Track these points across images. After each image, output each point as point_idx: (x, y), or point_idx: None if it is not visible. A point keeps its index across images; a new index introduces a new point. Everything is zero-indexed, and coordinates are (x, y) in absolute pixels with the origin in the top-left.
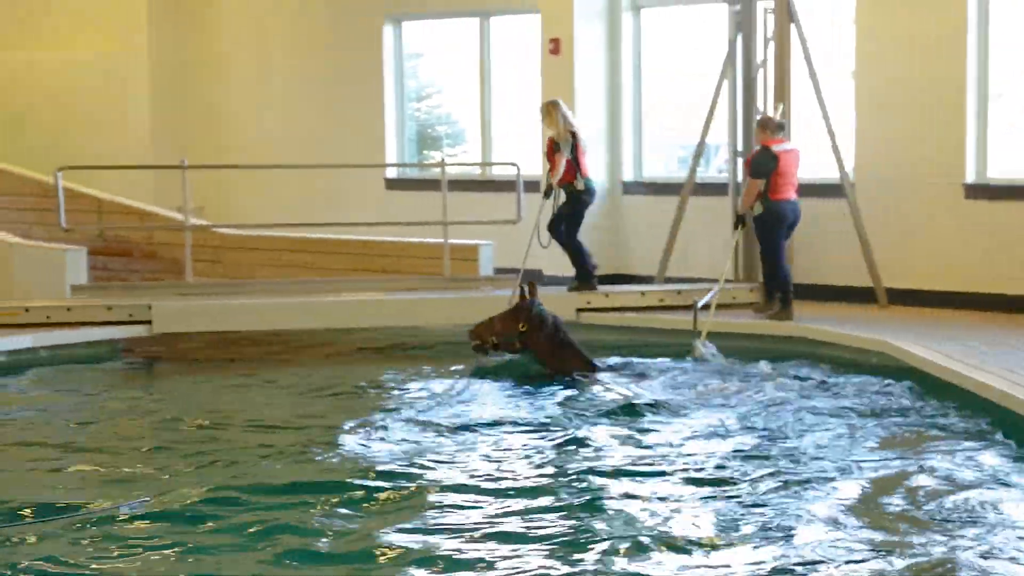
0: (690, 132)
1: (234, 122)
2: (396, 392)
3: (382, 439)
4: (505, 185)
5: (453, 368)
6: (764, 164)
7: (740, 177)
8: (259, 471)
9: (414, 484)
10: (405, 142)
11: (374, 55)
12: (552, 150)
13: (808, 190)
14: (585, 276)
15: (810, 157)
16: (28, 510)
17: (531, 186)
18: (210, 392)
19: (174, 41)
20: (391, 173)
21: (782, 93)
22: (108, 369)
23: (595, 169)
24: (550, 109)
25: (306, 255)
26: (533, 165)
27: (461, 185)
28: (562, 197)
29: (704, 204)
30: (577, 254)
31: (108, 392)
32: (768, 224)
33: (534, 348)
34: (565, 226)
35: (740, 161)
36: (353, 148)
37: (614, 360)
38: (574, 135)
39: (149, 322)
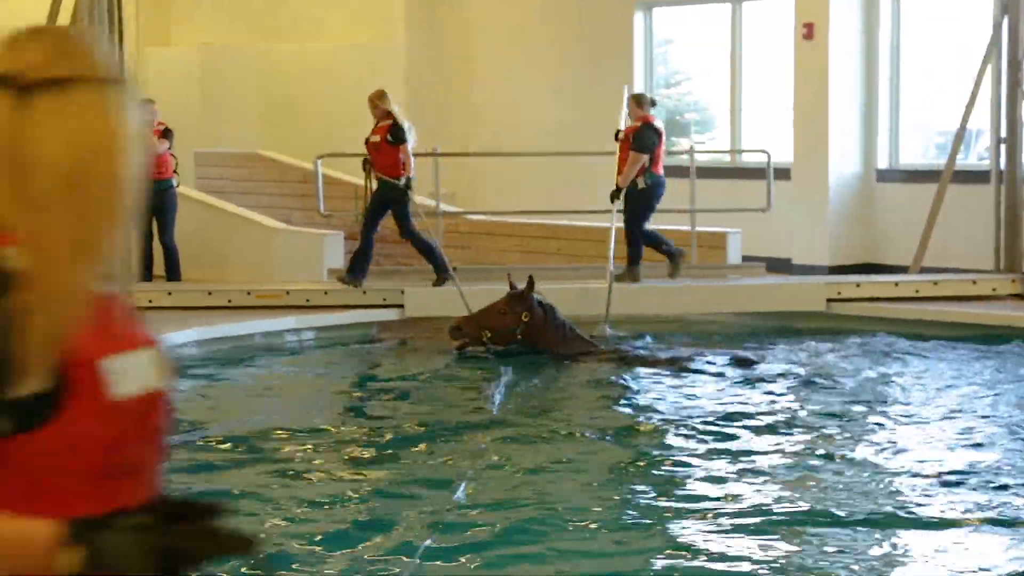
0: (950, 118)
1: (486, 110)
2: (638, 378)
3: (626, 432)
4: (755, 172)
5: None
6: (650, 139)
7: (1003, 163)
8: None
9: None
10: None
11: (624, 42)
12: (386, 141)
13: None
14: (441, 267)
15: None
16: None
17: (781, 174)
18: (458, 373)
19: (429, 31)
20: None
21: None
22: (364, 351)
23: (849, 155)
24: (384, 97)
25: (554, 241)
26: (784, 152)
27: (710, 172)
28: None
29: (964, 192)
30: (427, 250)
31: (364, 373)
32: (649, 196)
33: (541, 337)
34: (372, 219)
35: (1003, 148)
36: (602, 135)
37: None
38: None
39: (401, 306)
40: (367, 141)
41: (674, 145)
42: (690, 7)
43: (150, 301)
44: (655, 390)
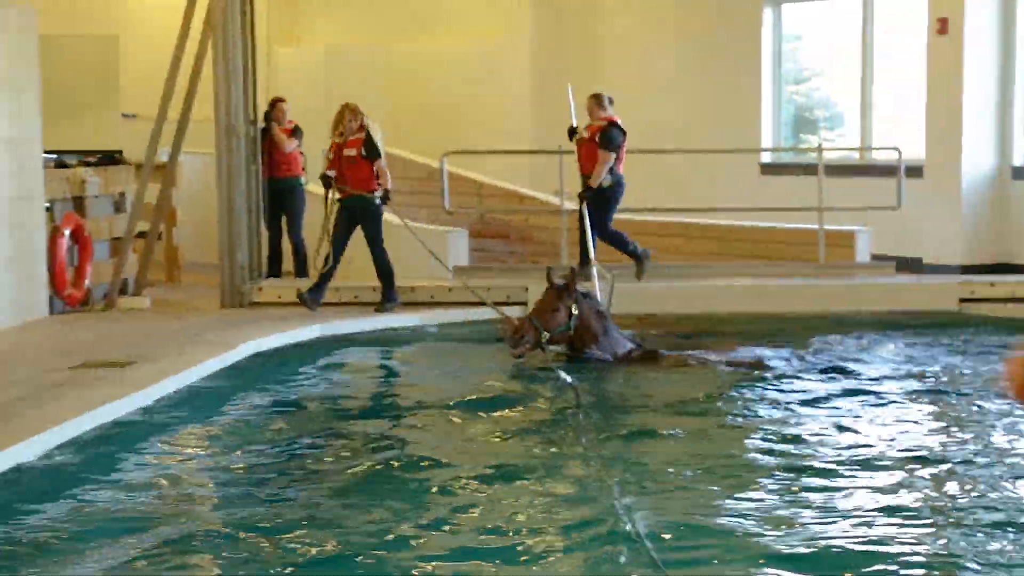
0: None
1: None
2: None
3: (710, 435)
4: (885, 170)
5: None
6: (618, 138)
7: None
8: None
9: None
10: (781, 126)
11: (753, 39)
12: (360, 155)
13: None
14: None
15: None
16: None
17: (912, 171)
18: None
19: (555, 31)
20: (766, 158)
21: None
22: (490, 348)
23: (984, 152)
24: (358, 111)
25: (675, 239)
26: (916, 149)
27: (838, 170)
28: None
29: None
30: (385, 268)
31: (488, 369)
32: (614, 195)
33: (588, 329)
34: (344, 236)
35: None
36: (728, 132)
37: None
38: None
39: (525, 303)
40: (339, 155)
41: (803, 143)
42: (820, 2)
43: (279, 296)
44: (750, 396)
